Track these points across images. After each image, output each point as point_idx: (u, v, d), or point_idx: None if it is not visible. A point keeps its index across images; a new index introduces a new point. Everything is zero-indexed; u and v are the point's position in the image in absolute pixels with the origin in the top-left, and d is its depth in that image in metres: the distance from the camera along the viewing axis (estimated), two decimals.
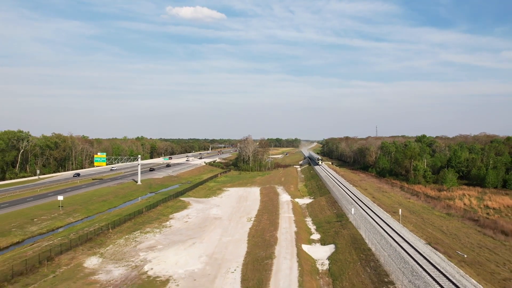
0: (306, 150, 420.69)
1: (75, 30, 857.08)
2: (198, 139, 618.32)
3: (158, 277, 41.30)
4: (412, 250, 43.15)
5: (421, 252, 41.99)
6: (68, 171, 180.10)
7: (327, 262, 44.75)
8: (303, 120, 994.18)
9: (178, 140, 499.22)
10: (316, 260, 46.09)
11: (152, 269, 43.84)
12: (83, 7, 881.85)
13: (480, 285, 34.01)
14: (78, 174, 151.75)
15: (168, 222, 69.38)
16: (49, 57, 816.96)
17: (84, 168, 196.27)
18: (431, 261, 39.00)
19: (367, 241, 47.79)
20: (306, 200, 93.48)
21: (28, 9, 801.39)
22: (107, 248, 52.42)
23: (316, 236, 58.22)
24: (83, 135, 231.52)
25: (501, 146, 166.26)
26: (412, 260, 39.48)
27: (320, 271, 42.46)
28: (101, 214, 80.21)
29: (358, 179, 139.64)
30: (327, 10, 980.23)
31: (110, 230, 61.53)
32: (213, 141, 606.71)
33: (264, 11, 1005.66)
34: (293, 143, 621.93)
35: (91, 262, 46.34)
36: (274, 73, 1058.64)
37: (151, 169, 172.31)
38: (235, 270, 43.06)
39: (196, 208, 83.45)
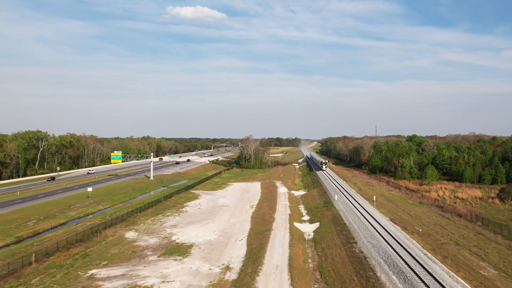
0: (306, 150, 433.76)
1: (76, 30, 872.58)
2: (200, 139, 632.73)
3: (184, 243, 54.78)
4: (376, 223, 56.61)
5: (382, 225, 55.45)
6: (82, 168, 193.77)
7: (312, 233, 58.28)
8: (303, 119, 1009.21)
9: (181, 140, 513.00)
10: (304, 232, 59.62)
11: (178, 239, 57.30)
12: (84, 7, 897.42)
13: (418, 244, 47.43)
14: (52, 178, 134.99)
15: (184, 209, 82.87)
16: (50, 57, 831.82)
17: (96, 165, 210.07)
18: (388, 230, 52.44)
19: (344, 219, 61.27)
20: (301, 192, 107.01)
21: (30, 9, 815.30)
22: (139, 226, 65.92)
23: (306, 217, 71.77)
24: (92, 135, 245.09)
25: (486, 145, 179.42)
26: (373, 229, 52.92)
27: (306, 239, 55.99)
28: (124, 203, 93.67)
29: (350, 175, 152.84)
30: (328, 10, 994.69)
31: (138, 214, 75.09)
32: (214, 140, 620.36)
33: (265, 11, 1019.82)
34: (293, 142, 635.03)
35: (130, 234, 59.86)
36: (275, 72, 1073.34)
37: (177, 163, 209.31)
38: (242, 239, 56.53)
39: (206, 198, 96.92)
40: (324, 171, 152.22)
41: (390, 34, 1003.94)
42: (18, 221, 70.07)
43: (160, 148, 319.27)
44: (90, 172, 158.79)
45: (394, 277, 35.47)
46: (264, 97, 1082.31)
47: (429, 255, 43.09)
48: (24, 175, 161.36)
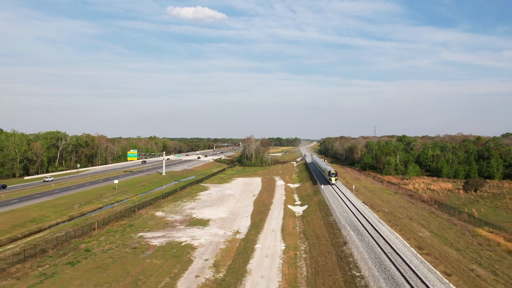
0: (306, 149, 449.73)
1: (78, 30, 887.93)
2: (201, 138, 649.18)
3: (202, 218, 71.32)
4: (350, 204, 73.13)
5: (355, 205, 71.98)
6: (97, 165, 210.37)
7: (301, 212, 74.88)
8: (304, 119, 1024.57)
9: (183, 139, 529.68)
10: (295, 212, 76.23)
11: (197, 216, 73.83)
12: (85, 7, 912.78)
13: (378, 217, 63.88)
14: (4, 186, 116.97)
15: (197, 197, 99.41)
16: (52, 56, 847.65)
17: (108, 164, 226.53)
18: (358, 208, 68.97)
19: (326, 201, 77.84)
20: (296, 185, 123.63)
21: (31, 8, 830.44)
22: (164, 208, 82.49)
23: (298, 202, 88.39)
24: (101, 134, 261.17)
25: (470, 145, 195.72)
26: (346, 207, 69.48)
27: (297, 215, 72.61)
28: (145, 194, 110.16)
29: (342, 172, 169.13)
30: (329, 10, 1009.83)
31: (161, 200, 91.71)
32: (215, 140, 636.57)
33: (266, 11, 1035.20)
34: (293, 142, 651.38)
35: (159, 214, 76.42)
36: (276, 72, 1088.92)
37: (199, 157, 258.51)
38: (246, 216, 73.06)
39: (215, 190, 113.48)
40: (333, 186, 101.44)
41: (391, 34, 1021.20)
42: (65, 205, 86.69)
43: (165, 147, 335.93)
44: (47, 180, 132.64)
45: (352, 232, 51.99)
46: (265, 97, 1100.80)
47: (383, 223, 59.62)
48: (47, 171, 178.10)
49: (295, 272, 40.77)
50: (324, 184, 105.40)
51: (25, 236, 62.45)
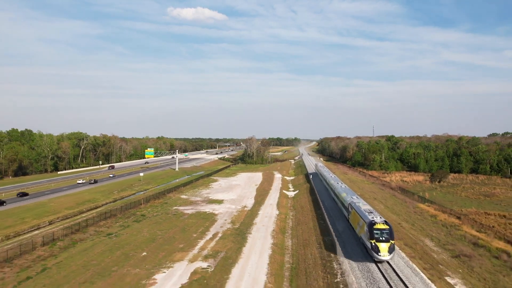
0: (304, 149, 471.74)
1: (79, 30, 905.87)
2: (203, 138, 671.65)
3: (218, 199, 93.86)
4: (330, 190, 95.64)
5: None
6: (113, 163, 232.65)
7: (293, 195, 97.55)
8: (305, 119, 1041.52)
9: (186, 139, 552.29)
10: (288, 195, 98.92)
11: (213, 198, 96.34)
12: (86, 7, 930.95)
13: None
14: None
15: (210, 186, 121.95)
16: (53, 57, 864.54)
17: (122, 161, 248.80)
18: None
19: (314, 187, 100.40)
20: (292, 177, 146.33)
21: (32, 9, 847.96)
22: (186, 193, 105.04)
23: (292, 189, 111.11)
24: (115, 135, 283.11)
25: (452, 144, 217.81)
26: (327, 191, 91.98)
27: (289, 197, 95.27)
28: (165, 184, 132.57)
29: (334, 168, 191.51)
30: (330, 10, 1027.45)
31: (182, 188, 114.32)
32: (217, 140, 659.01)
33: (267, 11, 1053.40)
34: (293, 142, 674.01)
35: (183, 196, 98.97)
36: (277, 72, 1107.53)
37: (216, 153, 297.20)
38: (251, 198, 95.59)
39: (223, 181, 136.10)
40: (380, 265, 40.42)
41: (392, 34, 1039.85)
42: (107, 191, 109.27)
43: (172, 147, 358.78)
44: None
45: (326, 203, 74.51)
46: (266, 97, 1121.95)
47: None
48: (71, 167, 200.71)
49: (284, 224, 63.39)
50: (355, 259, 43.01)
51: (88, 210, 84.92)
